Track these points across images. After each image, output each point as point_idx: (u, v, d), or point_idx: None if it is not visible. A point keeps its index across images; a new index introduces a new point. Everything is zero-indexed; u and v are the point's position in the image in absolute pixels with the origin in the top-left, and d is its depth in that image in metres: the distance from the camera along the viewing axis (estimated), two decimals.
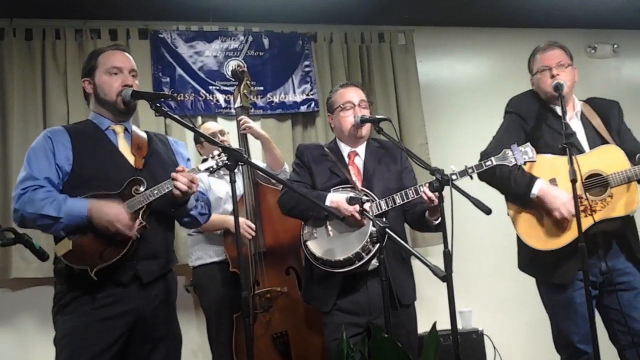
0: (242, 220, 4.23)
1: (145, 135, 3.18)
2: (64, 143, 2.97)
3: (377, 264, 3.41)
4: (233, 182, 2.78)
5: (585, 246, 3.11)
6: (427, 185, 3.17)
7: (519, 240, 3.62)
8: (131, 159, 3.03)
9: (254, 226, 4.27)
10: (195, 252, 4.58)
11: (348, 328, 3.39)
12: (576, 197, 3.16)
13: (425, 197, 3.26)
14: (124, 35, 5.28)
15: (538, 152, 3.52)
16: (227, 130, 4.78)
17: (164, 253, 3.10)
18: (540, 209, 3.50)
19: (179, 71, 5.41)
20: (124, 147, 3.07)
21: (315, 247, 3.47)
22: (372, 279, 3.50)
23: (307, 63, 5.74)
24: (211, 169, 2.97)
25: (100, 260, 2.82)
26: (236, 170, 2.84)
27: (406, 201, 3.44)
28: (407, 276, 3.64)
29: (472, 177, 3.30)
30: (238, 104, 4.57)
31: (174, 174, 2.90)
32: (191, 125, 3.00)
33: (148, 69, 5.31)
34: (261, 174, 4.22)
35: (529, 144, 3.37)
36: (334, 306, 3.51)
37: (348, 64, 5.85)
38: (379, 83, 5.84)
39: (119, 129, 3.09)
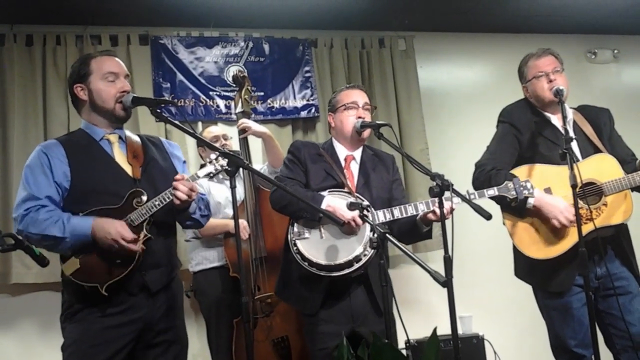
0: (241, 221, 4.25)
1: (139, 140, 3.14)
2: (59, 158, 2.94)
3: (362, 271, 3.41)
4: (233, 188, 2.76)
5: (586, 251, 3.12)
6: (428, 191, 3.15)
7: (515, 248, 3.63)
8: (128, 169, 3.00)
9: (246, 225, 4.30)
10: (195, 257, 4.58)
11: (331, 337, 3.38)
12: (576, 202, 3.16)
13: (434, 217, 3.30)
14: (124, 40, 5.29)
15: (532, 162, 3.57)
16: (229, 135, 4.79)
17: (167, 261, 3.08)
18: (536, 218, 3.51)
19: (179, 76, 5.42)
20: (120, 157, 3.03)
21: (305, 247, 3.39)
22: (355, 286, 3.48)
23: (307, 68, 5.76)
24: (210, 174, 2.96)
25: (108, 276, 2.83)
26: (236, 175, 2.82)
27: (404, 216, 3.42)
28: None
29: (470, 205, 3.23)
30: (239, 109, 4.57)
31: (174, 183, 2.88)
32: (191, 131, 2.96)
33: (148, 75, 5.32)
34: (261, 178, 4.23)
35: (529, 179, 3.40)
36: (319, 312, 3.46)
37: (348, 69, 5.86)
38: (379, 88, 5.85)
39: (113, 138, 3.05)
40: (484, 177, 3.58)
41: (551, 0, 5.73)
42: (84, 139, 3.04)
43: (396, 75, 5.95)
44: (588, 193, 3.46)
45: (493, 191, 3.38)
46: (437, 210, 3.26)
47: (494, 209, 3.21)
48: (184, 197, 2.87)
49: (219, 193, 4.54)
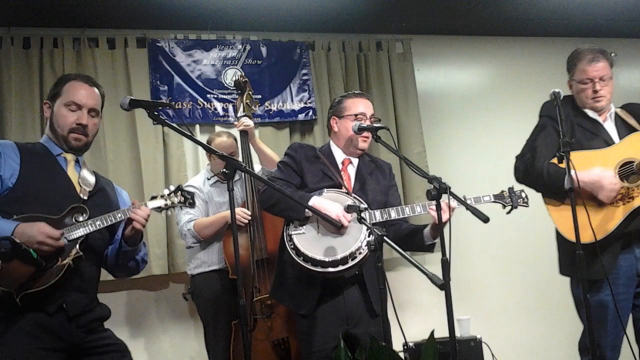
0: (238, 209, 4.28)
1: (93, 176, 3.07)
2: (12, 157, 2.86)
3: (356, 272, 3.43)
4: (230, 190, 2.78)
5: (583, 254, 3.10)
6: (425, 194, 3.15)
7: (559, 240, 3.60)
8: (77, 188, 2.94)
9: (249, 212, 4.32)
10: (194, 260, 4.59)
11: (327, 339, 3.40)
12: (573, 206, 3.15)
13: (433, 214, 3.29)
14: (121, 43, 5.29)
15: (572, 149, 3.47)
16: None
17: (92, 289, 2.97)
18: (581, 195, 3.43)
19: (177, 79, 5.42)
20: (72, 175, 2.97)
21: (301, 241, 3.38)
22: (349, 286, 3.49)
23: (304, 71, 5.76)
24: (159, 209, 2.97)
25: (27, 285, 2.67)
26: (237, 178, 2.82)
27: (401, 217, 3.46)
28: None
29: (467, 207, 3.16)
30: (240, 113, 4.59)
31: (132, 207, 2.88)
32: (189, 134, 2.97)
33: (146, 77, 5.33)
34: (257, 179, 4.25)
35: (523, 189, 3.46)
36: (313, 313, 3.46)
37: (346, 72, 5.87)
38: (376, 91, 5.85)
39: (70, 157, 3.00)
40: (523, 165, 3.60)
41: (548, 3, 5.73)
42: (41, 149, 2.99)
43: (393, 78, 5.96)
44: (627, 172, 3.45)
45: (488, 197, 3.44)
46: (434, 213, 3.28)
47: (491, 211, 3.21)
48: (141, 220, 2.85)
49: (220, 197, 4.56)
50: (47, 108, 3.03)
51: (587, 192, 3.43)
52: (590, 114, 3.65)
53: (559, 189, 3.42)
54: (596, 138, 3.51)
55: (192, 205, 3.03)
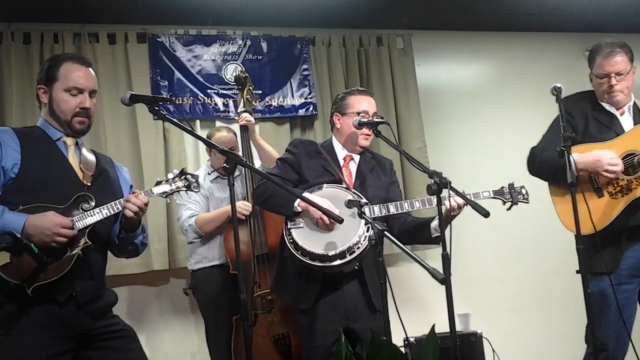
0: (239, 202, 4.30)
1: (93, 155, 3.06)
2: (12, 145, 2.83)
3: (356, 267, 3.44)
4: (231, 185, 2.79)
5: (584, 249, 3.11)
6: (426, 188, 3.16)
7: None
8: (80, 174, 2.93)
9: (249, 205, 4.33)
10: (195, 255, 4.60)
11: (327, 334, 3.41)
12: (574, 200, 3.15)
13: (449, 205, 3.30)
14: (122, 39, 5.28)
15: (584, 142, 3.57)
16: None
17: (100, 275, 2.99)
18: (584, 187, 3.45)
19: (177, 75, 5.42)
20: (73, 160, 2.95)
21: (299, 235, 3.40)
22: (349, 281, 3.50)
23: (305, 66, 5.75)
24: (164, 194, 2.96)
25: (38, 276, 2.68)
26: (237, 174, 2.82)
27: (399, 211, 3.47)
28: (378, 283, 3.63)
29: (468, 202, 3.20)
30: (240, 109, 4.60)
31: (128, 196, 2.87)
32: (189, 129, 2.96)
33: (146, 73, 5.32)
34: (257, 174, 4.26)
35: (524, 185, 3.48)
36: (313, 308, 3.47)
37: (346, 67, 5.86)
38: (377, 86, 5.85)
39: (70, 141, 2.97)
40: (535, 153, 3.64)
41: None
42: (40, 134, 2.96)
43: (394, 73, 5.95)
44: (629, 164, 3.45)
45: (488, 193, 3.45)
46: (446, 204, 3.27)
47: (492, 207, 3.21)
48: (134, 208, 2.84)
49: (221, 192, 4.56)
50: (42, 93, 2.97)
51: (588, 178, 3.45)
52: (607, 107, 3.67)
53: (564, 178, 3.42)
54: (609, 131, 3.53)
55: (196, 188, 3.01)
